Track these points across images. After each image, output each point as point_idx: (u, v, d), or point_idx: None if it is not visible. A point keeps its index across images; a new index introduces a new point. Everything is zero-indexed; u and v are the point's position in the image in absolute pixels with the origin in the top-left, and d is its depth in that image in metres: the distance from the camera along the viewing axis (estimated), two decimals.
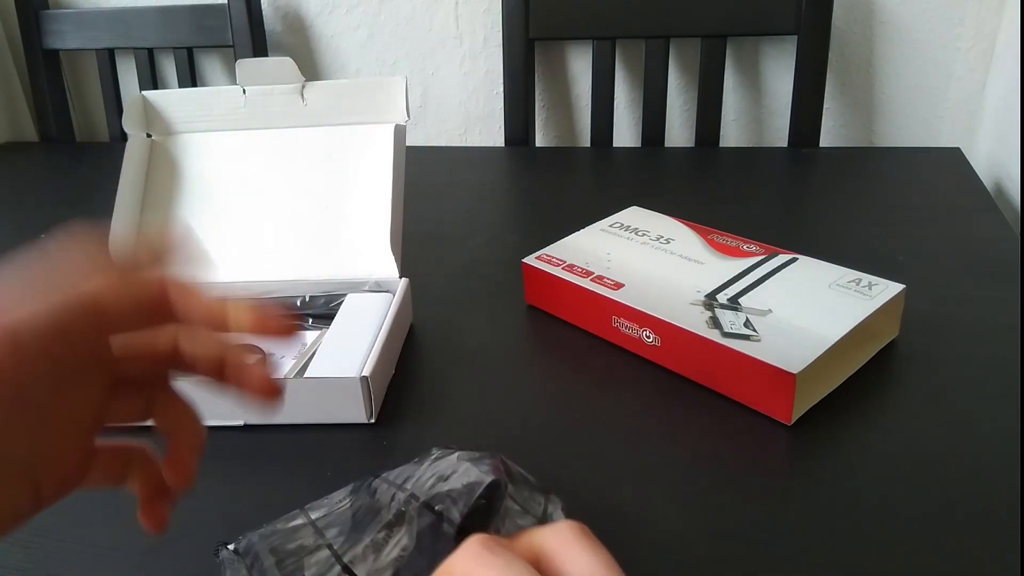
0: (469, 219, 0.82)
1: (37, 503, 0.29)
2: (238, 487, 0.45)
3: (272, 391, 0.34)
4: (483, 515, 0.35)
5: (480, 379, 0.55)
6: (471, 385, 0.54)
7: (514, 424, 0.50)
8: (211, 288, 0.34)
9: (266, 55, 1.14)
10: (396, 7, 1.12)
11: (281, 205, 0.61)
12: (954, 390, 0.50)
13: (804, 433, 0.47)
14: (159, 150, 0.63)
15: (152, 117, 0.63)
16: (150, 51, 1.16)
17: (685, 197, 0.85)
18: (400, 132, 0.60)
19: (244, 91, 0.62)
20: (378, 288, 0.59)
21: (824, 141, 1.03)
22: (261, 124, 0.62)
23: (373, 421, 0.51)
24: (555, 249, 0.63)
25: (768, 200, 0.82)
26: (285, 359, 0.56)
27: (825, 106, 1.01)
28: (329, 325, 0.55)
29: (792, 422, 0.48)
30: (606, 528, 0.41)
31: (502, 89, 1.08)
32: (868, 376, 0.52)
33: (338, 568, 0.35)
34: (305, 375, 0.50)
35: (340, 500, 0.40)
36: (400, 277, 0.59)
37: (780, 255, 0.59)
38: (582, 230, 0.66)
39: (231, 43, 1.11)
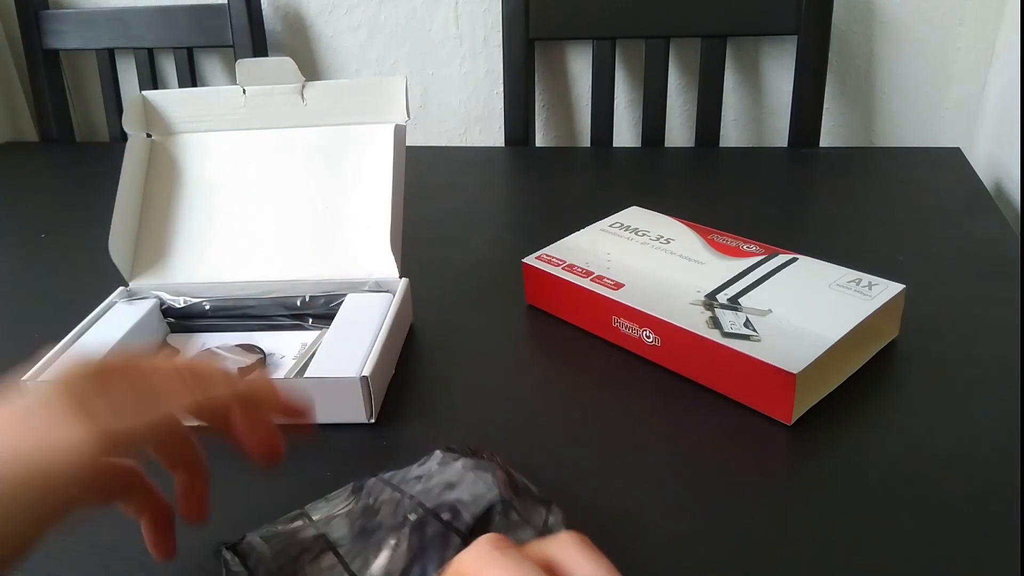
0: (469, 219, 0.82)
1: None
2: (238, 487, 0.45)
3: (275, 454, 0.36)
4: (486, 527, 0.34)
5: (480, 379, 0.55)
6: (471, 385, 0.54)
7: (514, 424, 0.50)
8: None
9: (266, 55, 1.14)
10: (396, 7, 1.12)
11: (281, 205, 0.61)
12: (954, 390, 0.50)
13: (804, 433, 0.47)
14: (159, 150, 0.63)
15: (152, 117, 0.63)
16: (150, 51, 1.16)
17: (685, 197, 0.85)
18: (400, 132, 0.60)
19: (244, 91, 0.62)
20: (378, 288, 0.59)
21: (824, 141, 1.03)
22: (261, 124, 0.62)
23: (373, 421, 0.51)
24: (555, 249, 0.63)
25: (768, 200, 0.82)
26: (285, 359, 0.57)
27: (825, 106, 1.01)
28: (329, 325, 0.55)
29: (792, 422, 0.48)
30: (606, 528, 0.41)
31: (502, 89, 1.08)
32: (868, 376, 0.52)
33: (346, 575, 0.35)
34: (305, 375, 0.50)
35: (340, 501, 0.40)
36: (400, 277, 0.59)
37: (780, 255, 0.59)
38: (582, 230, 0.66)
39: (231, 43, 1.11)
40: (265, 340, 0.58)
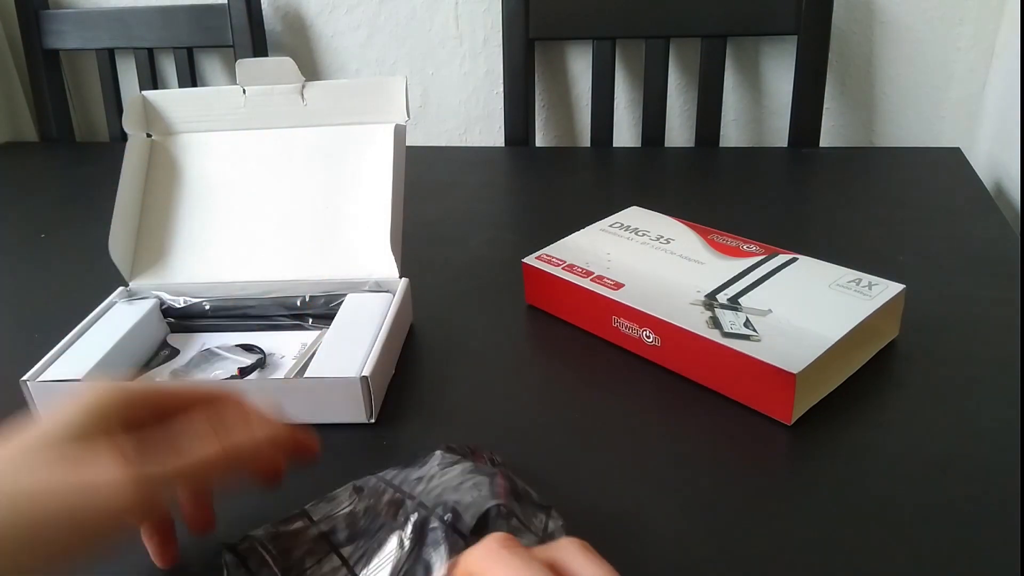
0: (469, 219, 0.82)
1: None
2: (238, 488, 0.45)
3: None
4: (486, 529, 0.34)
5: (480, 379, 0.55)
6: (471, 385, 0.54)
7: (514, 424, 0.50)
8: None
9: (266, 55, 1.14)
10: (396, 7, 1.12)
11: (281, 205, 0.61)
12: (954, 390, 0.50)
13: (804, 433, 0.47)
14: (159, 150, 0.63)
15: (152, 117, 0.63)
16: (150, 51, 1.16)
17: (685, 197, 0.85)
18: (400, 132, 0.60)
19: (244, 91, 0.62)
20: (378, 288, 0.59)
21: (824, 141, 1.03)
22: (261, 124, 0.62)
23: (373, 421, 0.51)
24: (555, 249, 0.63)
25: (768, 200, 0.82)
26: (285, 359, 0.57)
27: (825, 106, 1.01)
28: (329, 325, 0.55)
29: (792, 422, 0.48)
30: (605, 528, 0.41)
31: (502, 89, 1.08)
32: (868, 376, 0.52)
33: None
34: (305, 375, 0.50)
35: (341, 501, 0.40)
36: (400, 277, 0.59)
37: (780, 255, 0.59)
38: (582, 230, 0.65)
39: (231, 43, 1.11)
40: (265, 340, 0.58)
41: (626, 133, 1.14)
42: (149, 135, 0.64)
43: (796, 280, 0.55)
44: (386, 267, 0.59)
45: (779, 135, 1.09)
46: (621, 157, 1.01)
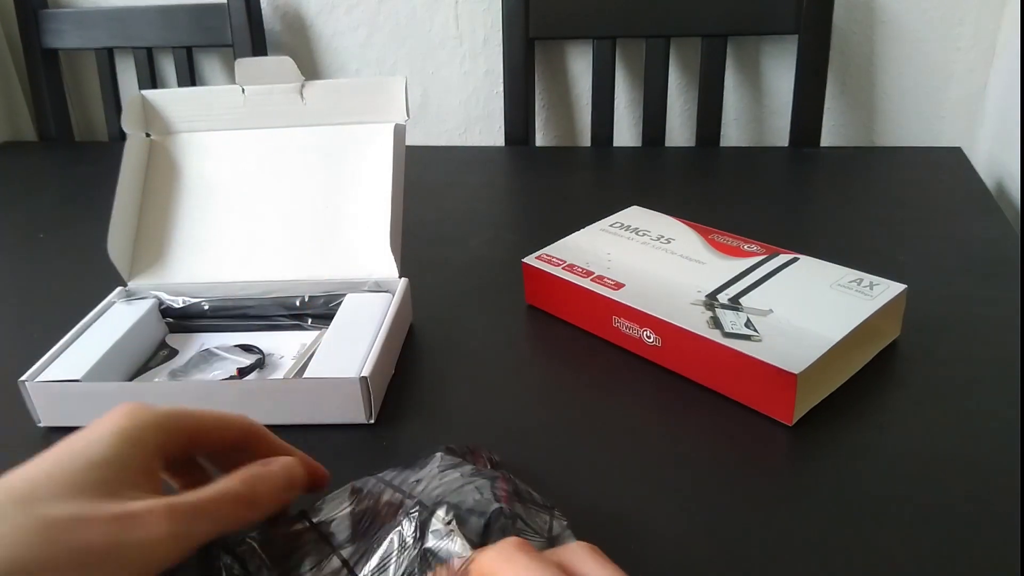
0: (469, 219, 0.82)
1: None
2: None
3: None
4: (489, 532, 0.34)
5: (480, 379, 0.55)
6: (471, 385, 0.54)
7: (514, 424, 0.50)
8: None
9: (266, 55, 1.14)
10: (396, 7, 1.12)
11: (280, 205, 0.61)
12: (955, 390, 0.50)
13: (805, 433, 0.47)
14: (158, 149, 0.63)
15: (151, 116, 0.63)
16: (149, 51, 1.16)
17: (685, 197, 0.85)
18: (400, 132, 0.60)
19: (243, 90, 0.62)
20: (378, 288, 0.59)
21: (825, 141, 1.03)
22: (260, 123, 0.62)
23: (373, 421, 0.50)
24: (555, 249, 0.63)
25: (769, 200, 0.82)
26: (284, 359, 0.56)
27: (826, 106, 1.01)
28: (329, 325, 0.55)
29: (793, 422, 0.48)
30: (605, 528, 0.41)
31: (502, 89, 1.08)
32: (869, 376, 0.52)
33: None
34: (304, 375, 0.50)
35: (341, 502, 0.39)
36: (400, 277, 0.59)
37: (781, 255, 0.59)
38: (582, 230, 0.65)
39: (231, 43, 1.11)
40: (264, 340, 0.58)
41: (626, 133, 1.14)
42: (148, 135, 0.63)
43: (797, 280, 0.55)
44: (386, 267, 0.59)
45: (780, 135, 1.09)
46: (621, 157, 1.01)
